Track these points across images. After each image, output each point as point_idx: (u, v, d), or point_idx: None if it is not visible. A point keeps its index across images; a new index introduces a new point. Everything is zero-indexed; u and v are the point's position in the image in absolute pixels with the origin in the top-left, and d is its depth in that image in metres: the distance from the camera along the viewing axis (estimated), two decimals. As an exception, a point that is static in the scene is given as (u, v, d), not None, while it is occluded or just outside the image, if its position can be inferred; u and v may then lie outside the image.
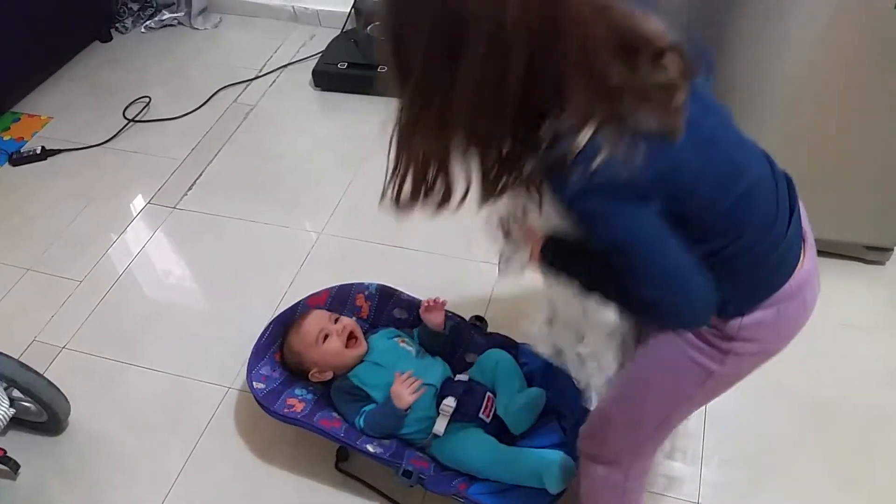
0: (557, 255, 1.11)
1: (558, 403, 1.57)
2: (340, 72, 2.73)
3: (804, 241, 1.11)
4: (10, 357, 1.66)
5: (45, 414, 1.75)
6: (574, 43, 0.83)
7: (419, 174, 0.94)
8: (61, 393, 1.76)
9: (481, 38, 0.80)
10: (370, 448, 1.53)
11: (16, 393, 1.68)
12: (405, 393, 1.53)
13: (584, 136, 0.86)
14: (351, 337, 1.66)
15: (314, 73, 2.77)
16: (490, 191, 0.94)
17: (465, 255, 2.16)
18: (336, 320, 1.69)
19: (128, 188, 2.48)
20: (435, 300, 1.74)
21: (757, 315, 1.07)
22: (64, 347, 2.01)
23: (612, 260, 0.95)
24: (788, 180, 1.10)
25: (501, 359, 1.66)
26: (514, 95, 0.84)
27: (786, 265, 1.07)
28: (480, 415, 1.58)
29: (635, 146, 0.86)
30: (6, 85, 2.78)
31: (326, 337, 1.64)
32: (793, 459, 1.69)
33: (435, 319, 1.72)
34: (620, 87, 0.86)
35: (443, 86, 0.84)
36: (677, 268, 0.95)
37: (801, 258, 1.09)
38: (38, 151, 2.58)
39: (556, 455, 1.50)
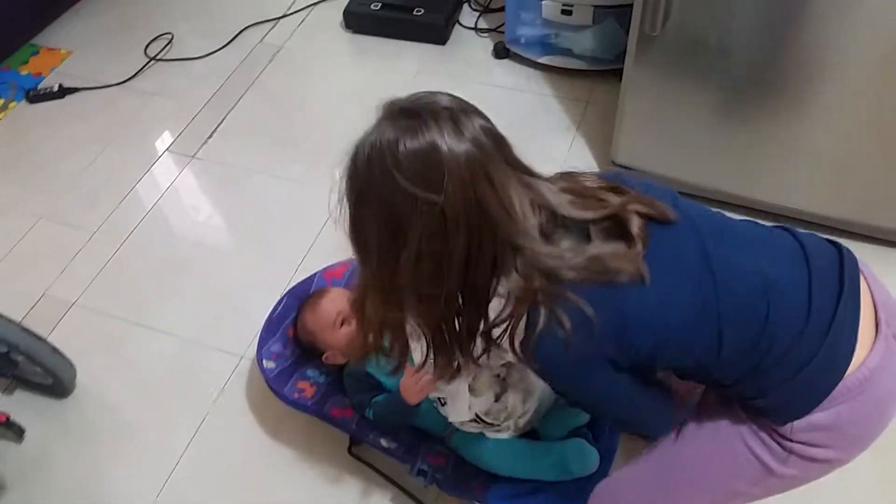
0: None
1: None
2: (373, 13, 2.54)
3: (878, 327, 0.98)
4: (11, 321, 1.57)
5: (50, 377, 1.68)
6: (500, 230, 0.90)
7: (376, 338, 1.06)
8: (65, 358, 1.68)
9: (419, 226, 0.90)
10: (384, 443, 1.42)
11: (19, 357, 1.60)
12: (415, 388, 1.40)
13: (541, 315, 0.92)
14: None
15: (346, 13, 2.59)
16: (444, 363, 1.02)
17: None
18: None
19: (146, 133, 2.36)
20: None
21: (812, 418, 0.96)
22: (74, 304, 1.93)
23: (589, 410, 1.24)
24: (840, 254, 1.02)
25: None
26: (455, 272, 0.91)
27: (832, 364, 0.95)
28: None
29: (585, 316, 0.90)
30: (25, 15, 2.66)
31: (344, 321, 1.52)
32: None
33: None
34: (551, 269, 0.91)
35: (391, 262, 0.93)
36: (639, 407, 1.07)
37: (866, 349, 0.96)
38: (56, 89, 2.46)
39: (580, 443, 1.40)
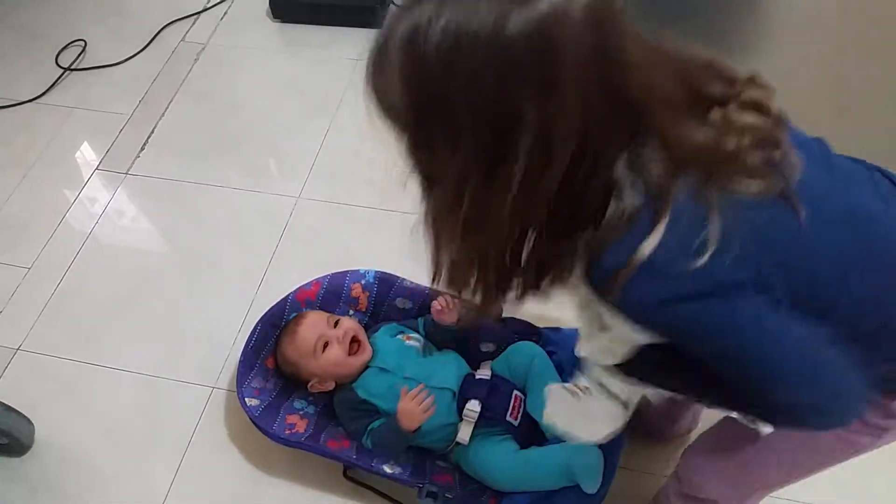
0: (640, 371, 0.94)
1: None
2: None
3: None
4: (-46, 385, 1.42)
5: (4, 437, 1.53)
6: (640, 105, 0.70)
7: (456, 272, 0.84)
8: (21, 415, 1.54)
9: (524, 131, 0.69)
10: (387, 469, 1.35)
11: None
12: (415, 411, 1.34)
13: (658, 231, 0.71)
14: (354, 341, 1.45)
15: (272, 1, 2.43)
16: (530, 286, 0.82)
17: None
18: (336, 323, 1.47)
19: (70, 152, 2.18)
20: (447, 299, 1.51)
21: None
22: (18, 349, 1.77)
23: (725, 370, 0.78)
24: None
25: (535, 354, 1.48)
26: (555, 186, 0.71)
27: None
28: (508, 417, 1.40)
29: (732, 225, 0.70)
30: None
31: (326, 345, 1.43)
32: None
33: (450, 319, 1.51)
34: (703, 152, 0.72)
35: (477, 180, 0.73)
36: (814, 364, 0.77)
37: None
38: (-40, 112, 2.24)
39: (591, 451, 1.34)
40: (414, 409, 1.33)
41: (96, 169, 2.12)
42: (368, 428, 1.40)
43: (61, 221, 2.00)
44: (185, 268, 1.91)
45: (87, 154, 2.16)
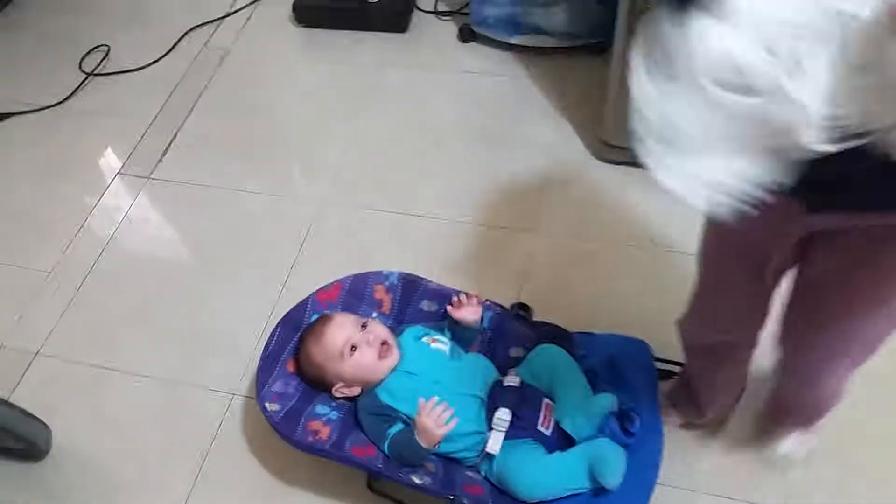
0: None
1: (628, 405, 1.34)
2: (325, 4, 2.37)
3: None
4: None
5: (22, 443, 1.50)
6: None
7: None
8: (38, 420, 1.51)
9: None
10: (416, 479, 1.30)
11: (-16, 427, 1.42)
12: (434, 427, 1.30)
13: None
14: (382, 344, 1.41)
15: (295, 6, 2.42)
16: None
17: (492, 220, 1.89)
18: (364, 326, 1.43)
19: (93, 157, 2.16)
20: (464, 296, 1.48)
21: None
22: (37, 354, 1.75)
23: None
24: None
25: (558, 357, 1.43)
26: None
27: None
28: (539, 427, 1.35)
29: None
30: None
31: (354, 348, 1.39)
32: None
33: (469, 317, 1.47)
34: None
35: None
36: None
37: None
38: (-16, 117, 2.24)
39: (607, 446, 1.30)
40: (430, 425, 1.29)
41: (118, 173, 2.10)
42: (388, 434, 1.35)
43: (83, 225, 1.98)
44: (207, 272, 1.88)
45: (109, 159, 2.15)
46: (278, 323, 1.50)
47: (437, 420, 1.30)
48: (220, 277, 1.86)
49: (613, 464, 1.27)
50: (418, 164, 2.03)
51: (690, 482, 1.44)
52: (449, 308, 1.48)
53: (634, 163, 1.87)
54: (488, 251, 1.84)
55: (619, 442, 1.30)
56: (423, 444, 1.30)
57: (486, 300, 1.52)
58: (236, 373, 1.67)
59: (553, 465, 1.31)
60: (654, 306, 1.72)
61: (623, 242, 1.83)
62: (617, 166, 1.94)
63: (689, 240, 1.76)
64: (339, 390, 1.42)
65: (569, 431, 1.34)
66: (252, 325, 1.72)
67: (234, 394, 1.65)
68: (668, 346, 1.41)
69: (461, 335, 1.49)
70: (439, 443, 1.32)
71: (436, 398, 1.32)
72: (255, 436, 1.58)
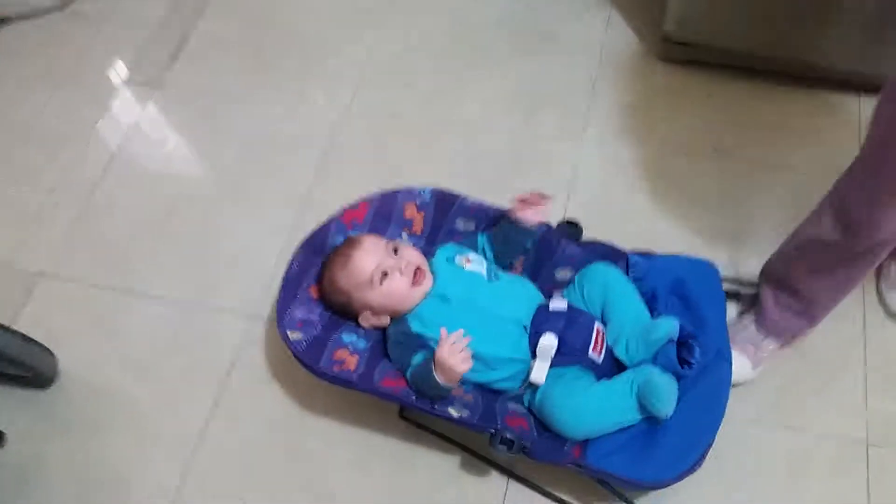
0: None
1: (690, 332, 1.18)
2: None
3: None
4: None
5: (26, 370, 1.39)
6: None
7: None
8: (40, 346, 1.39)
9: None
10: (453, 412, 1.17)
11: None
12: (454, 362, 1.14)
13: None
14: (416, 272, 1.26)
15: None
16: None
17: (535, 130, 1.72)
18: (395, 250, 1.28)
19: (97, 64, 1.99)
20: (537, 195, 1.30)
21: None
22: (41, 275, 1.62)
23: None
24: None
25: (611, 277, 1.28)
26: None
27: None
28: (590, 353, 1.20)
29: None
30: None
31: (385, 275, 1.24)
32: None
33: (532, 219, 1.30)
34: None
35: None
36: None
37: None
38: (-19, 22, 2.07)
39: (653, 371, 1.15)
40: (450, 359, 1.14)
41: (124, 82, 1.94)
42: (410, 363, 1.22)
43: (87, 139, 1.83)
44: (222, 188, 1.74)
45: (115, 66, 1.98)
46: (300, 245, 1.35)
47: (457, 355, 1.15)
48: (237, 194, 1.72)
49: (663, 390, 1.13)
50: (453, 68, 1.85)
51: (757, 413, 1.30)
52: (512, 207, 1.31)
53: (699, 61, 1.71)
54: (530, 164, 1.67)
55: (674, 373, 1.15)
56: (442, 381, 1.16)
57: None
58: (256, 296, 1.54)
59: (599, 395, 1.17)
60: (715, 223, 1.55)
61: (681, 151, 1.64)
62: (677, 66, 1.74)
63: (754, 147, 1.59)
64: (367, 319, 1.28)
65: (621, 358, 1.20)
66: (272, 244, 1.59)
67: (253, 318, 1.52)
68: (733, 265, 1.26)
69: (507, 248, 1.33)
70: (459, 380, 1.17)
71: (461, 331, 1.17)
72: (277, 362, 1.46)
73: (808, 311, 1.26)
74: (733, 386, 1.21)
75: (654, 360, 1.16)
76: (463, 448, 1.32)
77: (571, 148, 1.68)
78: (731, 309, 1.40)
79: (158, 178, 1.77)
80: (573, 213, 1.50)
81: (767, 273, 1.31)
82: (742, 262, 1.46)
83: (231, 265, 1.60)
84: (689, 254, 1.34)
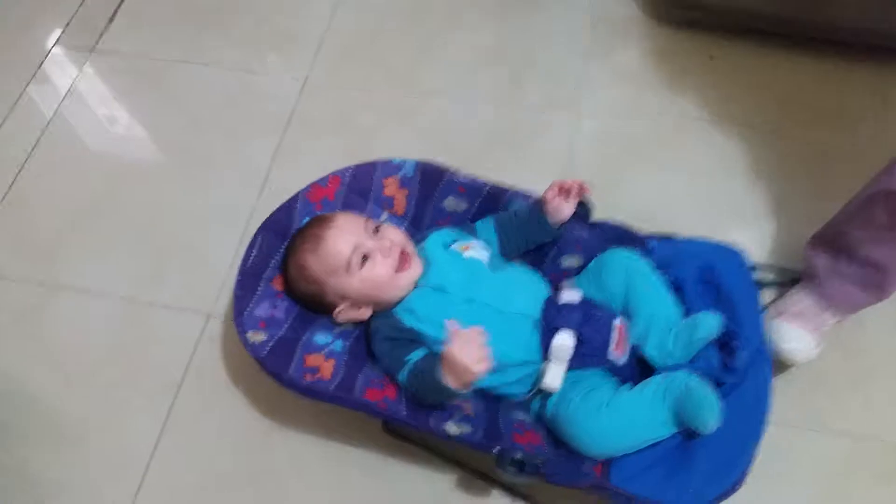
0: None
1: (731, 332, 1.02)
2: None
3: None
4: None
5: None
6: None
7: None
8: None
9: None
10: (452, 429, 0.98)
11: None
12: (470, 360, 0.94)
13: None
14: (401, 254, 1.07)
15: None
16: None
17: (524, 98, 1.54)
18: (376, 230, 1.09)
19: (25, 26, 1.74)
20: (578, 185, 1.11)
21: None
22: (-42, 268, 1.40)
23: None
24: None
25: (632, 263, 1.11)
26: None
27: None
28: (610, 354, 1.04)
29: None
30: None
31: (366, 258, 1.06)
32: None
33: (567, 213, 1.12)
34: None
35: None
36: None
37: None
38: None
39: (693, 378, 0.98)
40: (463, 357, 0.94)
41: (55, 44, 1.70)
42: (407, 360, 1.03)
43: (12, 109, 1.59)
44: (170, 165, 1.53)
45: (45, 27, 1.73)
46: (259, 229, 1.15)
47: (474, 352, 0.95)
48: (187, 171, 1.51)
49: (708, 400, 0.96)
50: (424, 31, 1.65)
51: (791, 414, 1.16)
52: (547, 194, 1.12)
53: (702, 22, 1.55)
54: (520, 136, 1.50)
55: (716, 380, 1.00)
56: (451, 384, 0.96)
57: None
58: (210, 289, 1.34)
59: (626, 406, 1.00)
60: (728, 200, 1.40)
61: (685, 122, 1.49)
62: (679, 29, 1.58)
63: (764, 117, 1.44)
64: (344, 313, 1.08)
65: (651, 359, 1.04)
66: (227, 231, 1.39)
67: (208, 314, 1.32)
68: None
69: (521, 239, 1.15)
70: (472, 384, 0.97)
71: (481, 328, 0.97)
72: (237, 367, 1.27)
73: (875, 281, 1.11)
74: (795, 367, 1.07)
75: (693, 363, 1.00)
76: (459, 465, 1.14)
77: (565, 118, 1.51)
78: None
79: (94, 155, 1.55)
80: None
81: (822, 238, 1.16)
82: (761, 244, 1.32)
83: (180, 254, 1.39)
84: (705, 236, 1.18)
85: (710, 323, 1.00)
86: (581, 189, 1.11)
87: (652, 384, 1.01)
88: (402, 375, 1.03)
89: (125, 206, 1.46)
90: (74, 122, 1.58)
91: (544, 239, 1.15)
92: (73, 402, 1.26)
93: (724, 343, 1.01)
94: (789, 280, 1.23)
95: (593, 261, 1.14)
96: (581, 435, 1.01)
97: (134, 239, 1.42)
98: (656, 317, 1.05)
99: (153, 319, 1.33)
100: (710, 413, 0.96)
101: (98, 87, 1.63)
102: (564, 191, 1.11)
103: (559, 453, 1.01)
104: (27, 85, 1.63)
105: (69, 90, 1.62)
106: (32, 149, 1.53)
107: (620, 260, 1.11)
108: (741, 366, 1.00)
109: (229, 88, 1.60)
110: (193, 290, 1.34)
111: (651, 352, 1.04)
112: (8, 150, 1.53)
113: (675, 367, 1.02)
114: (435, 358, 0.98)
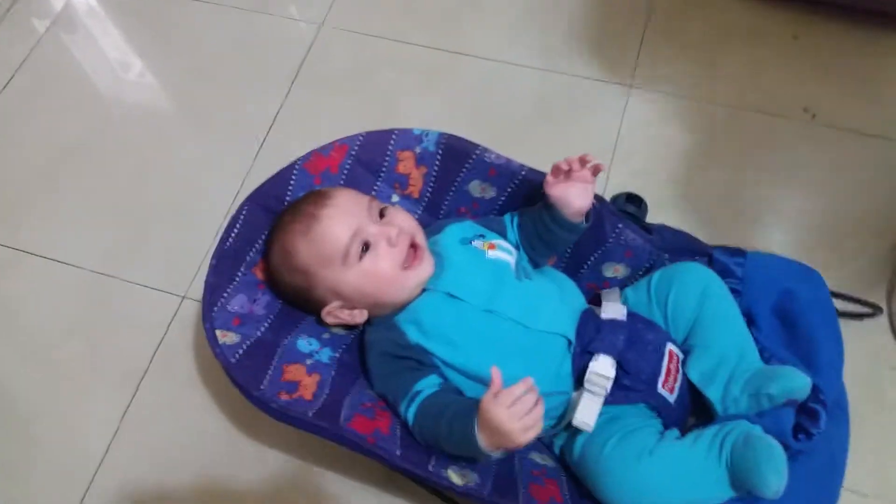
0: None
1: (815, 393, 0.81)
2: None
3: None
4: None
5: None
6: None
7: None
8: None
9: None
10: (454, 477, 0.79)
11: None
12: (516, 427, 0.73)
13: None
14: (411, 247, 0.87)
15: None
16: None
17: (571, 67, 1.32)
18: (381, 213, 0.89)
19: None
20: (578, 160, 0.86)
21: None
22: None
23: None
24: None
25: (714, 285, 0.90)
26: None
27: None
28: (660, 388, 0.84)
29: None
30: None
31: (367, 247, 0.86)
32: None
33: (576, 202, 0.88)
34: None
35: None
36: None
37: None
38: None
39: (761, 434, 0.78)
40: (509, 422, 0.72)
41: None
42: (415, 391, 0.83)
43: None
44: (160, 117, 1.35)
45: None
46: (245, 200, 0.94)
47: (523, 416, 0.73)
48: (176, 127, 1.33)
49: (773, 454, 0.75)
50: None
51: (880, 487, 0.95)
52: (548, 180, 0.89)
53: None
54: (560, 113, 1.28)
55: (784, 443, 0.79)
56: (484, 446, 0.76)
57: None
58: (188, 268, 1.16)
59: (674, 458, 0.80)
60: (802, 210, 1.18)
61: (761, 109, 1.26)
62: (757, 1, 1.35)
63: (854, 110, 1.22)
64: (334, 313, 0.88)
65: (713, 404, 0.83)
66: (215, 201, 1.22)
67: (183, 296, 1.14)
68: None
69: (540, 242, 0.94)
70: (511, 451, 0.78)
71: (530, 379, 0.75)
72: (209, 363, 1.08)
73: None
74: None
75: (760, 417, 0.80)
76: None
77: (616, 96, 1.29)
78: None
79: (79, 97, 1.36)
80: (618, 184, 1.12)
81: None
82: (838, 266, 1.09)
83: (160, 226, 1.21)
84: (773, 251, 0.97)
85: (790, 381, 0.78)
86: (591, 166, 0.86)
87: (708, 434, 0.81)
88: (409, 410, 0.82)
89: (97, 164, 1.28)
90: (49, 65, 1.39)
91: (568, 237, 0.92)
92: (31, 388, 1.09)
93: (805, 406, 0.80)
94: (867, 315, 1.02)
95: (658, 272, 0.93)
96: (613, 487, 0.81)
97: (106, 203, 1.24)
98: (729, 355, 0.84)
99: (121, 298, 1.15)
100: (773, 471, 0.75)
101: (81, 22, 1.44)
102: (563, 172, 0.87)
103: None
104: (5, 13, 1.45)
105: (49, 27, 1.43)
106: (8, 82, 1.35)
107: (699, 277, 0.90)
108: (817, 432, 0.79)
109: (234, 28, 1.41)
110: (168, 269, 1.17)
111: (715, 395, 0.83)
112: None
113: (737, 416, 0.82)
114: (469, 406, 0.77)
